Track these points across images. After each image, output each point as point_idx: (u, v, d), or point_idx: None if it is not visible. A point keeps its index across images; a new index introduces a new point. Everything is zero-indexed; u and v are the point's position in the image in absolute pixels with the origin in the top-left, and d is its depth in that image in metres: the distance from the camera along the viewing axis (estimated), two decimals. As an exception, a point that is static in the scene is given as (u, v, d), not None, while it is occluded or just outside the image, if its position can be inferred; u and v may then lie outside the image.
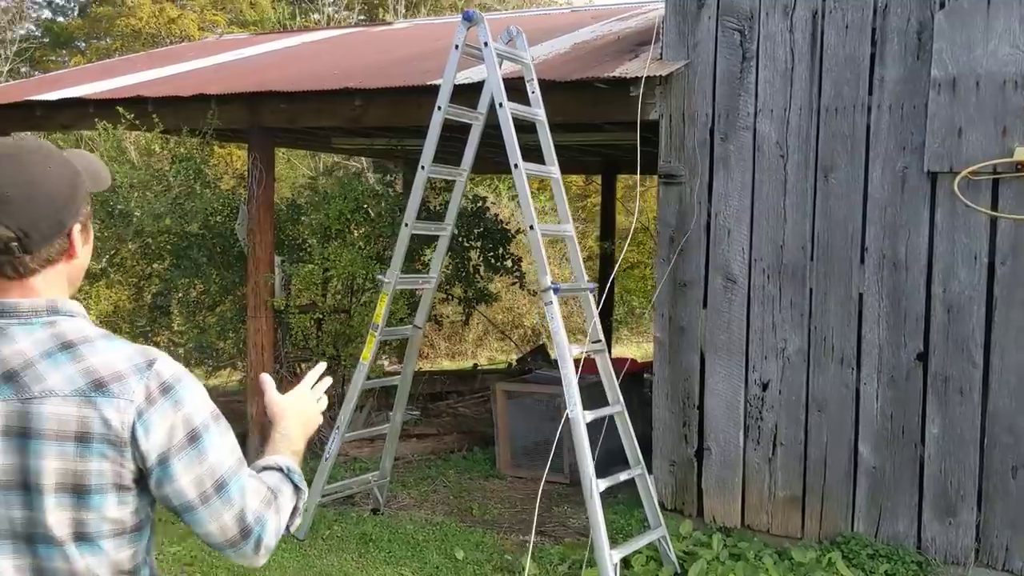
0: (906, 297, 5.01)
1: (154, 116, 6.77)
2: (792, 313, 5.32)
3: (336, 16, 23.53)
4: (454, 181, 5.51)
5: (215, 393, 9.15)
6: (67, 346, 1.48)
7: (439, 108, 5.07)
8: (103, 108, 7.15)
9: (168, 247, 7.28)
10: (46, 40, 24.47)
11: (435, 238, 5.69)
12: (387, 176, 8.02)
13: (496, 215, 8.05)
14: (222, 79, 7.49)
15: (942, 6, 4.86)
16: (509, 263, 7.82)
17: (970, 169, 4.76)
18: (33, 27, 24.71)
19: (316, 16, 22.93)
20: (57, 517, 1.43)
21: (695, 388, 5.60)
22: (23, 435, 1.43)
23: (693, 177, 5.56)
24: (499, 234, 7.74)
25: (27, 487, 1.43)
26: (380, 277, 5.28)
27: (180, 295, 7.67)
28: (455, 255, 7.59)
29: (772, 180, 5.35)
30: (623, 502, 6.14)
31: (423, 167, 5.14)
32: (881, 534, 5.11)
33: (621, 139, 7.61)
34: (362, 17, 23.26)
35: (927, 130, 4.91)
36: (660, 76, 5.47)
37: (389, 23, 10.27)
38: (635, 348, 14.31)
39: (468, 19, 4.91)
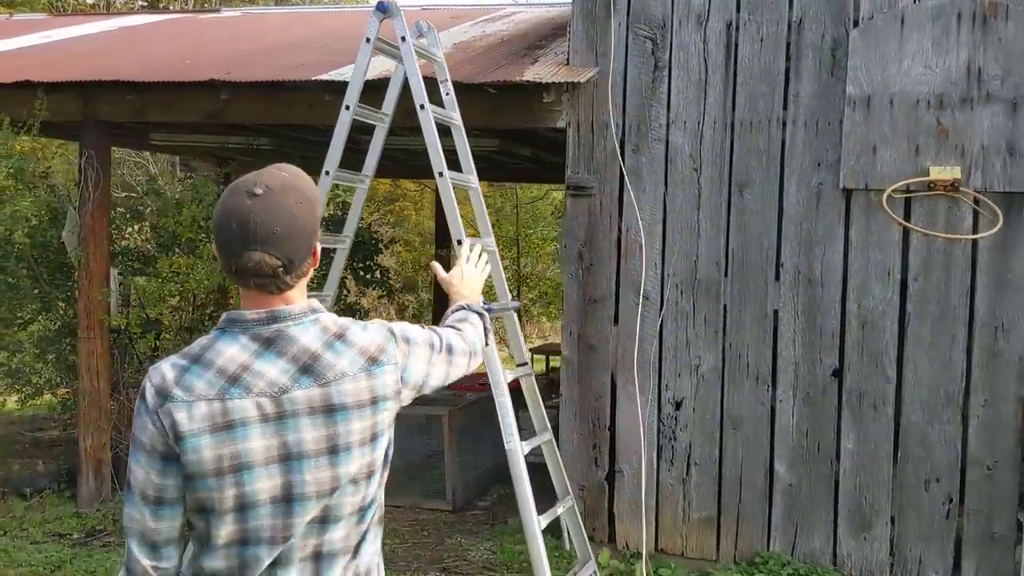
0: (821, 313, 5.01)
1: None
2: (706, 330, 5.20)
3: (115, 2, 21.70)
4: (352, 188, 4.97)
5: (31, 423, 7.88)
6: (338, 336, 1.84)
7: (347, 107, 4.52)
8: None
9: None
10: None
11: (330, 251, 5.12)
12: (228, 176, 7.14)
13: (370, 224, 7.48)
14: (46, 65, 6.50)
15: (856, 24, 4.89)
16: (379, 274, 7.29)
17: (892, 188, 4.82)
18: None
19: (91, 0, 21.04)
20: (359, 464, 1.82)
21: (606, 409, 5.38)
22: (329, 411, 1.79)
23: (603, 189, 5.33)
24: (371, 244, 7.20)
25: (335, 449, 1.79)
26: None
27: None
28: (320, 266, 6.98)
29: (685, 193, 5.21)
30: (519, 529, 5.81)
31: (327, 172, 4.58)
32: (798, 552, 5.09)
33: (481, 146, 7.29)
34: (142, 3, 21.56)
35: (843, 147, 4.92)
36: (569, 83, 5.20)
37: (217, 10, 9.41)
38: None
39: (382, 10, 4.40)
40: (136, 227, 6.65)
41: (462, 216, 4.39)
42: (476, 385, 7.58)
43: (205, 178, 6.42)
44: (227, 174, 9.51)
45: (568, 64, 5.37)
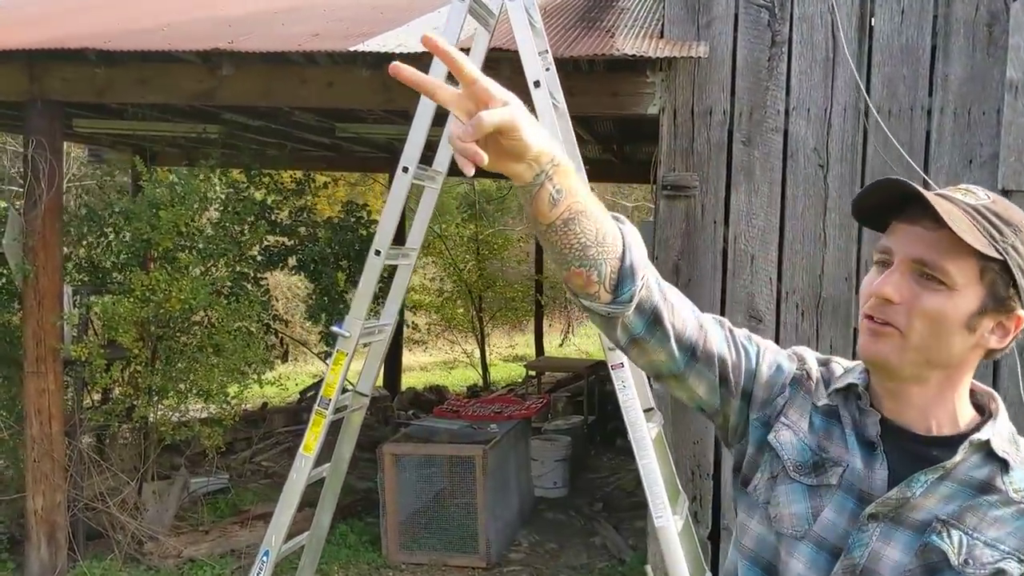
0: (974, 337, 4.23)
1: None
2: (832, 358, 4.36)
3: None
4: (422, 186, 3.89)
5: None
6: None
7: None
8: None
9: None
10: None
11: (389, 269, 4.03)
12: (199, 170, 5.81)
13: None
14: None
15: (1017, -5, 4.13)
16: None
17: (1075, 189, 4.07)
18: None
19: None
20: None
21: (708, 455, 4.48)
22: None
23: (705, 189, 4.43)
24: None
25: None
26: (336, 329, 3.57)
27: None
28: (318, 277, 5.85)
29: (809, 195, 4.35)
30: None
31: (406, 169, 3.52)
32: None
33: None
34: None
35: (1001, 141, 4.15)
36: (666, 60, 4.27)
37: (157, -23, 8.06)
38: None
39: (487, -42, 3.39)
40: (98, 234, 5.36)
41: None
42: (494, 414, 6.59)
43: (189, 175, 5.20)
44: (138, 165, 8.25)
45: (663, 36, 4.44)
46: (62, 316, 4.99)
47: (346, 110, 5.88)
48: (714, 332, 1.32)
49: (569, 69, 4.26)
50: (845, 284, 4.34)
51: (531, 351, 13.11)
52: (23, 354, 5.02)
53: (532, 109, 3.45)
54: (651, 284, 1.24)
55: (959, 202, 1.19)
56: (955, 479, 1.20)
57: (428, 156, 3.75)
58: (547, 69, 3.67)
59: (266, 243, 6.04)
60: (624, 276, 1.19)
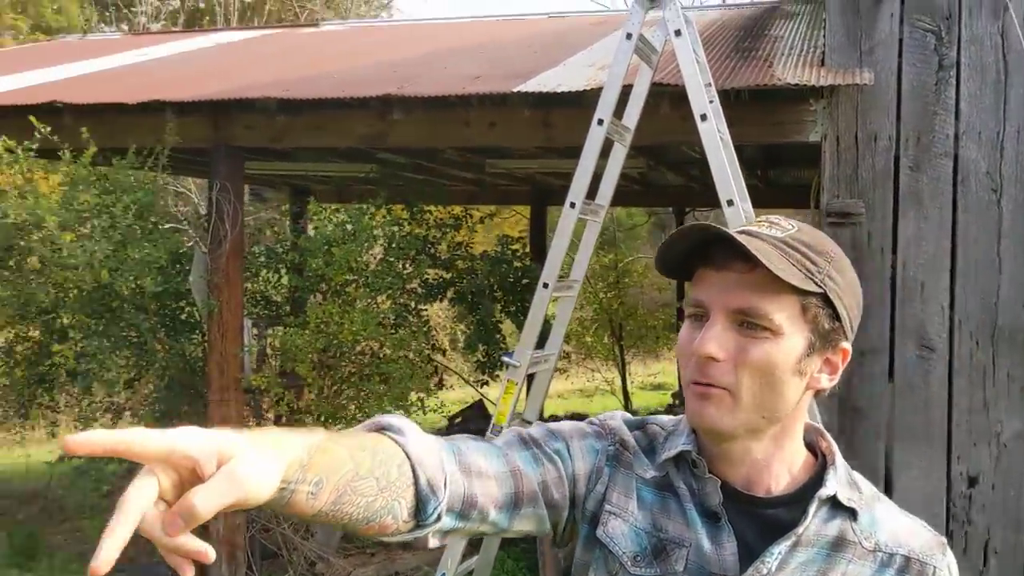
0: None
1: (83, 131, 4.83)
2: (1010, 388, 4.21)
3: (148, 25, 21.02)
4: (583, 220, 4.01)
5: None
6: None
7: (599, 122, 3.58)
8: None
9: (92, 307, 5.26)
10: None
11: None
12: (369, 206, 6.14)
13: (531, 261, 6.53)
14: (169, 82, 5.61)
15: None
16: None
17: None
18: None
19: (124, 26, 20.37)
20: None
21: (877, 486, 4.38)
22: None
23: (872, 216, 4.37)
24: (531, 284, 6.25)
25: None
26: (507, 359, 3.71)
27: (95, 368, 5.63)
28: (476, 308, 6.03)
29: (981, 220, 4.24)
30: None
31: (573, 204, 3.63)
32: None
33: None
34: (176, 29, 20.85)
35: None
36: (828, 88, 4.25)
37: (315, 24, 8.55)
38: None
39: (652, -2, 3.49)
40: (273, 270, 5.70)
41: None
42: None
43: (359, 213, 5.48)
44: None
45: (823, 64, 4.42)
46: (243, 347, 5.31)
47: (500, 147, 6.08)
48: (526, 466, 1.15)
49: (730, 100, 4.30)
50: (1022, 311, 4.19)
51: (669, 379, 13.01)
52: (206, 383, 5.38)
53: (698, 141, 3.52)
54: (454, 477, 1.06)
55: (766, 237, 1.10)
56: (807, 543, 1.12)
57: (590, 188, 3.86)
58: (711, 102, 3.72)
59: (425, 276, 6.27)
60: (424, 498, 1.02)
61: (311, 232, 5.58)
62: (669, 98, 4.40)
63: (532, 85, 4.55)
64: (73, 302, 5.41)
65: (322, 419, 5.59)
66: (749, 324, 1.07)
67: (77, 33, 17.92)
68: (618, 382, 12.24)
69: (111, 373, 5.58)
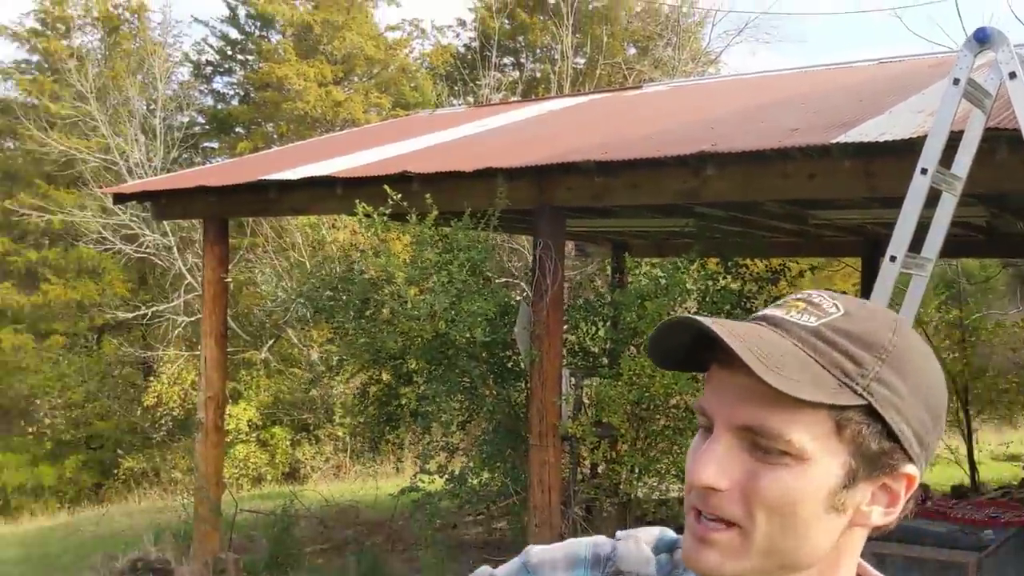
0: None
1: (427, 197, 5.40)
2: None
3: (491, 97, 22.71)
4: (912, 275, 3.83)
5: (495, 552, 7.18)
6: None
7: (923, 171, 3.43)
8: (354, 187, 5.87)
9: (432, 354, 5.81)
10: (208, 127, 24.37)
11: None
12: (683, 260, 6.28)
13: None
14: (501, 150, 6.11)
15: None
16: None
17: None
18: (196, 114, 24.66)
19: (469, 98, 22.16)
20: None
21: None
22: None
23: None
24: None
25: None
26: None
27: (433, 410, 6.18)
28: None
29: None
30: None
31: (893, 258, 3.49)
32: None
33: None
34: (515, 98, 22.31)
35: None
36: None
37: (638, 87, 8.89)
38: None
39: (981, 40, 3.30)
40: (590, 323, 5.98)
41: None
42: (989, 519, 6.02)
43: (674, 268, 5.61)
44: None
45: None
46: (561, 396, 5.59)
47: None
48: None
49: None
50: None
51: (1030, 449, 11.69)
52: (527, 428, 5.71)
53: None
54: None
55: (792, 327, 0.81)
56: None
57: (914, 241, 3.68)
58: (1050, 147, 3.44)
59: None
60: None
61: (628, 286, 5.77)
62: (1007, 143, 4.10)
63: (853, 135, 4.44)
64: (416, 349, 6.00)
65: (635, 470, 5.71)
66: (762, 446, 0.80)
67: (428, 108, 19.91)
68: (963, 450, 11.19)
69: (446, 415, 6.12)
